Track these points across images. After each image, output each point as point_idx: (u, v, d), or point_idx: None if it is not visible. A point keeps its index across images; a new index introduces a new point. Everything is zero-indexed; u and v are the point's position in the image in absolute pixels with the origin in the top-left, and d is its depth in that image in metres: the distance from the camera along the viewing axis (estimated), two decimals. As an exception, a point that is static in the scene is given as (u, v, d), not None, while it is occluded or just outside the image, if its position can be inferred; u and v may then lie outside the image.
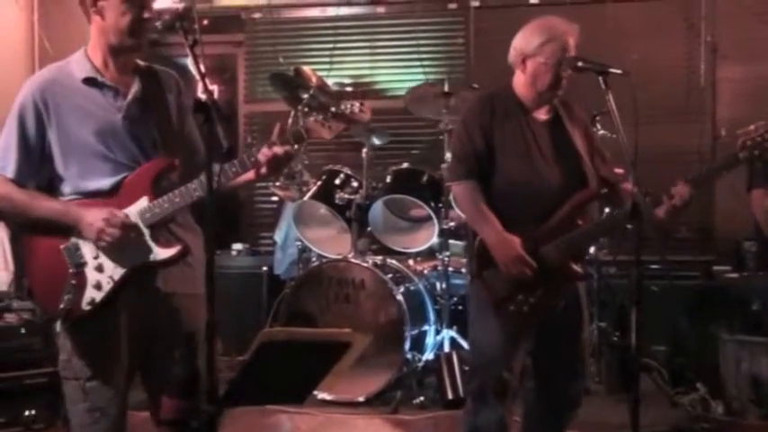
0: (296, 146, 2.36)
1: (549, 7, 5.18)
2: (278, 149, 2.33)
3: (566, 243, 2.79)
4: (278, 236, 5.27)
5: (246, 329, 4.35)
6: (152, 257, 2.34)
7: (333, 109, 2.36)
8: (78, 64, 2.39)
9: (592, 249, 4.47)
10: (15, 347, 3.74)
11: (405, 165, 4.77)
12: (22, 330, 3.78)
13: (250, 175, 2.38)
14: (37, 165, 2.37)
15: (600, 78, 2.69)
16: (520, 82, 2.88)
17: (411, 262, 4.73)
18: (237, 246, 5.58)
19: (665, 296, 4.46)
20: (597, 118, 4.38)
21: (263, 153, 2.32)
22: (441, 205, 4.48)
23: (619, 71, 2.71)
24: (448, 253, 4.52)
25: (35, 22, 5.70)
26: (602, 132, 4.35)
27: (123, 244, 2.31)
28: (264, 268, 5.29)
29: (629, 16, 5.42)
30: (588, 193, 2.87)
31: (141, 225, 2.33)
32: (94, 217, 2.28)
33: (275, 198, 5.53)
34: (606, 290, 4.61)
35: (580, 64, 2.77)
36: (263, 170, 2.36)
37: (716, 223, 5.40)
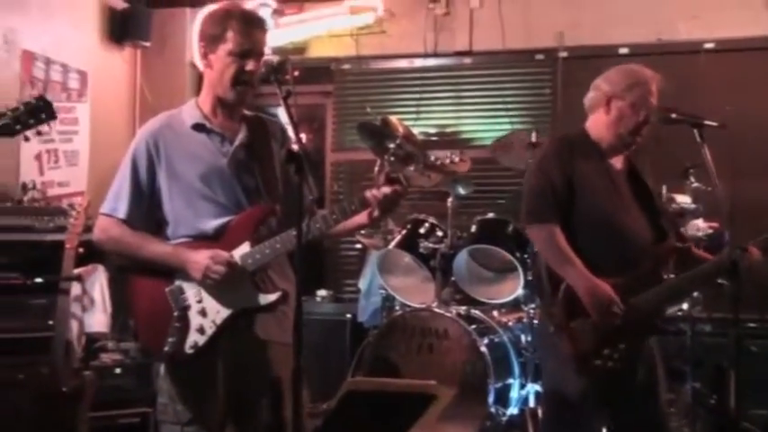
0: (402, 186, 2.34)
1: (639, 57, 5.11)
2: (386, 189, 2.34)
3: (658, 295, 2.69)
4: (362, 283, 5.30)
5: (330, 376, 4.36)
6: (254, 302, 2.38)
7: (432, 158, 2.37)
8: (189, 112, 2.50)
9: (685, 305, 4.32)
10: (110, 387, 3.86)
11: (490, 214, 4.74)
12: (117, 370, 3.91)
13: (363, 219, 2.39)
14: (147, 208, 2.46)
15: (695, 131, 2.64)
16: (600, 123, 2.82)
17: (495, 313, 4.67)
18: (322, 292, 5.64)
19: (766, 356, 4.25)
20: (691, 171, 4.27)
21: (373, 195, 2.33)
22: (527, 256, 4.42)
23: (714, 123, 2.65)
24: (534, 305, 4.44)
25: (137, 75, 6.02)
26: (696, 185, 4.23)
27: (227, 286, 2.35)
28: (348, 315, 5.31)
29: (724, 66, 5.28)
30: (673, 246, 2.77)
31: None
32: (201, 256, 2.34)
33: (359, 246, 5.57)
34: (701, 348, 4.42)
35: (674, 116, 2.73)
36: (376, 212, 2.36)
37: (819, 280, 5.13)
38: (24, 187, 4.83)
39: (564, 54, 5.57)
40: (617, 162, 2.85)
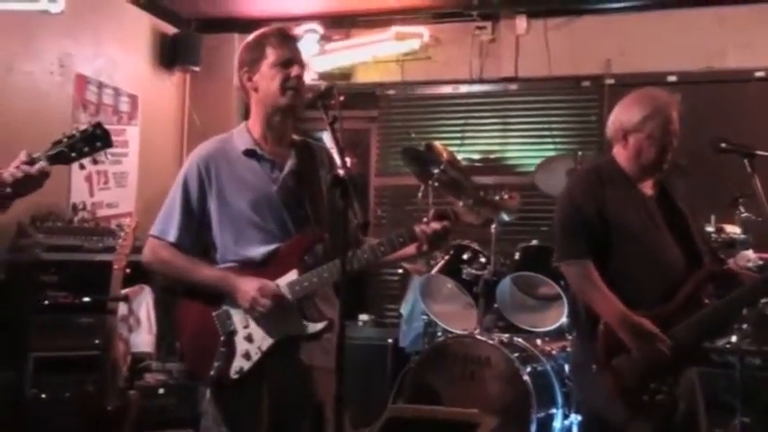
0: (451, 222, 2.36)
1: (688, 85, 5.05)
2: (436, 225, 2.35)
3: (701, 322, 2.62)
4: (404, 308, 5.28)
5: (371, 401, 4.34)
6: (300, 330, 2.39)
7: (482, 194, 2.38)
8: (240, 137, 2.53)
9: (734, 338, 4.22)
10: (153, 407, 3.91)
11: (534, 242, 4.71)
12: (160, 391, 3.96)
13: (410, 251, 2.41)
14: (196, 231, 2.48)
15: (745, 160, 2.60)
16: (621, 156, 2.78)
17: (539, 341, 4.60)
18: (364, 317, 5.63)
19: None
20: (741, 200, 4.19)
21: (422, 230, 2.35)
22: (570, 284, 4.37)
23: (766, 153, 2.61)
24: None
25: (186, 99, 6.14)
26: (745, 215, 4.15)
27: (274, 314, 2.36)
28: (390, 340, 5.29)
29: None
30: (710, 270, 2.70)
31: (290, 298, 2.39)
32: (250, 286, 2.36)
33: (402, 271, 5.57)
34: (751, 382, 4.30)
35: (724, 145, 2.69)
36: (424, 247, 2.38)
37: None
38: (75, 208, 4.95)
39: (611, 81, 5.52)
40: (647, 187, 2.80)
